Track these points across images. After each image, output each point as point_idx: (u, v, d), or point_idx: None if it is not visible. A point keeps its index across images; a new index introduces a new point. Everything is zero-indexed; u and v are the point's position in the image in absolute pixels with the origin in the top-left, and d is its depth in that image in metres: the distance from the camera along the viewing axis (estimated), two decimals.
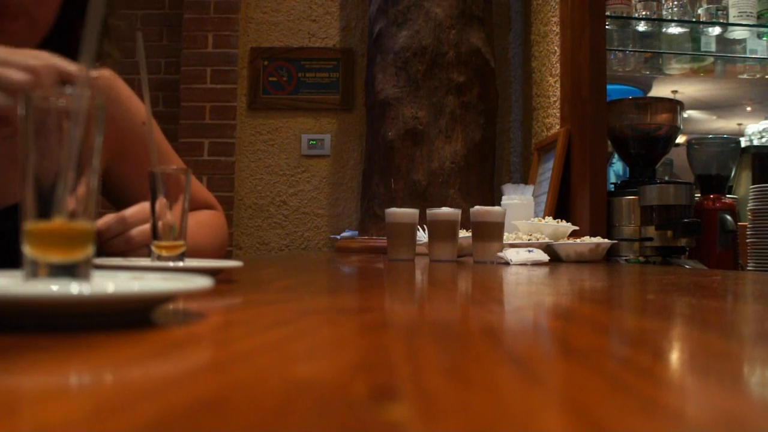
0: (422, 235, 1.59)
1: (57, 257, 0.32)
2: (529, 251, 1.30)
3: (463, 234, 1.52)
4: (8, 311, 0.29)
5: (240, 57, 2.89)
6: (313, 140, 2.90)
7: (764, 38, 2.42)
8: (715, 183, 2.02)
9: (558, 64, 2.24)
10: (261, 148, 2.91)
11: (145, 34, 3.01)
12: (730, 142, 2.13)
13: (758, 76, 2.54)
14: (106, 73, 0.91)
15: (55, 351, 0.26)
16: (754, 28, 2.34)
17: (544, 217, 1.72)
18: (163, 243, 0.64)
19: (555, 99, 2.30)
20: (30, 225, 0.32)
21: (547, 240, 1.53)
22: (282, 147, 2.91)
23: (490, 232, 1.37)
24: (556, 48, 2.29)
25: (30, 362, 0.24)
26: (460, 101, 2.32)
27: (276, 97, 2.91)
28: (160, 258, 0.63)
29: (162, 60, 3.00)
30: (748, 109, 3.01)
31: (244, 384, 0.21)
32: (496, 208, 1.41)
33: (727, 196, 2.04)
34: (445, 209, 1.44)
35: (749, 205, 1.83)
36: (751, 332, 0.40)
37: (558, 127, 2.21)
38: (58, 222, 0.32)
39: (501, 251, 1.33)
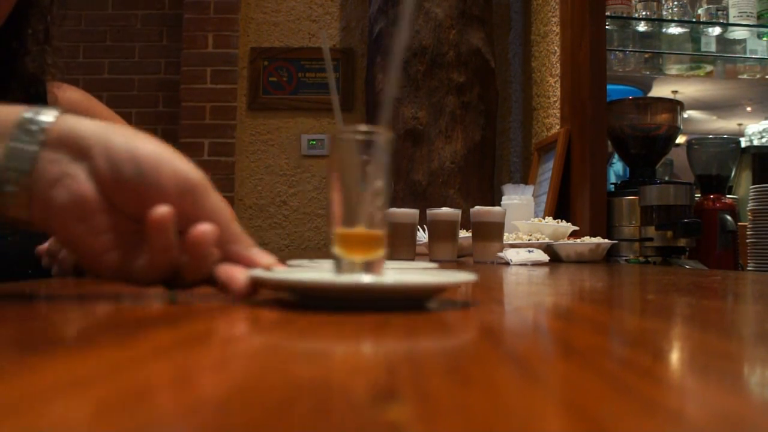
0: (422, 235, 1.59)
1: (358, 256, 0.43)
2: (529, 251, 1.30)
3: (463, 234, 1.52)
4: (324, 296, 0.40)
5: (240, 57, 2.89)
6: (313, 140, 2.90)
7: (764, 38, 2.42)
8: (715, 183, 2.02)
9: (558, 64, 2.24)
10: (261, 149, 2.91)
11: (145, 34, 3.02)
12: (730, 142, 2.13)
13: (758, 76, 2.54)
14: (76, 95, 0.83)
15: (54, 351, 0.26)
16: (754, 28, 2.34)
17: (544, 217, 1.72)
18: None
19: (555, 99, 2.30)
20: (339, 231, 0.43)
21: (547, 240, 1.53)
22: (282, 147, 2.91)
23: (490, 232, 1.37)
24: (556, 48, 2.29)
25: (30, 362, 0.24)
26: (460, 101, 2.32)
27: (276, 97, 2.91)
28: None
29: (162, 60, 3.00)
30: (748, 109, 3.01)
31: (244, 384, 0.21)
32: (496, 208, 1.41)
33: (727, 196, 2.04)
34: (445, 209, 1.44)
35: (749, 205, 1.82)
36: (751, 332, 0.40)
37: (558, 127, 2.21)
38: (359, 229, 0.42)
39: (501, 251, 1.33)
